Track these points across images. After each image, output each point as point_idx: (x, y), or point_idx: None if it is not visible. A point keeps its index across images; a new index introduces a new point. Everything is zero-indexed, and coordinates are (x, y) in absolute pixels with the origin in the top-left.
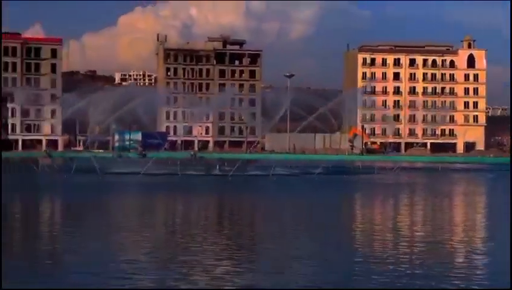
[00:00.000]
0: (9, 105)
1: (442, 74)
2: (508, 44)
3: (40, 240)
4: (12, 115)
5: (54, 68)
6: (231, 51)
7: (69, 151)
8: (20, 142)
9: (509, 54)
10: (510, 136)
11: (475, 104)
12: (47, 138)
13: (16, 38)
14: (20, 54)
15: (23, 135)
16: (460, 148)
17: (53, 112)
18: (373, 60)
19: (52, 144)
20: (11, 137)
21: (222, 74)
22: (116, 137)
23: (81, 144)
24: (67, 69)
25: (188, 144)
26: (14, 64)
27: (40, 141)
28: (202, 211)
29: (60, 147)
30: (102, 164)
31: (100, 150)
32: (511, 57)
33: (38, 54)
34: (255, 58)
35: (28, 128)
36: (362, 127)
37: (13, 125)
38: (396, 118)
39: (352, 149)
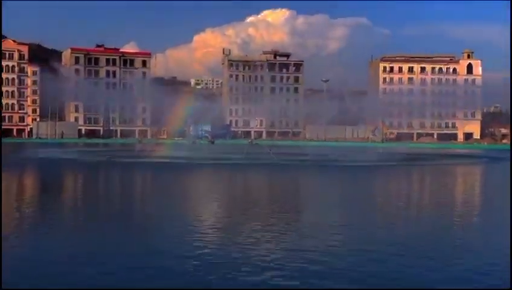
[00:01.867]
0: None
1: (446, 78)
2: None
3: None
4: (113, 111)
5: (144, 75)
6: (280, 61)
7: (155, 139)
8: (118, 132)
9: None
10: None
11: None
12: (139, 128)
13: (116, 52)
14: (119, 64)
15: (121, 126)
16: (460, 137)
17: (143, 109)
18: (392, 68)
19: (143, 133)
20: (112, 128)
21: (273, 79)
22: (191, 128)
23: (164, 133)
24: (154, 76)
25: (246, 134)
26: (114, 72)
27: (133, 132)
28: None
29: (149, 136)
30: (182, 148)
31: (179, 138)
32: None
33: (132, 64)
34: (298, 67)
35: (125, 122)
36: (382, 121)
37: (113, 119)
38: (410, 114)
39: (369, 138)
